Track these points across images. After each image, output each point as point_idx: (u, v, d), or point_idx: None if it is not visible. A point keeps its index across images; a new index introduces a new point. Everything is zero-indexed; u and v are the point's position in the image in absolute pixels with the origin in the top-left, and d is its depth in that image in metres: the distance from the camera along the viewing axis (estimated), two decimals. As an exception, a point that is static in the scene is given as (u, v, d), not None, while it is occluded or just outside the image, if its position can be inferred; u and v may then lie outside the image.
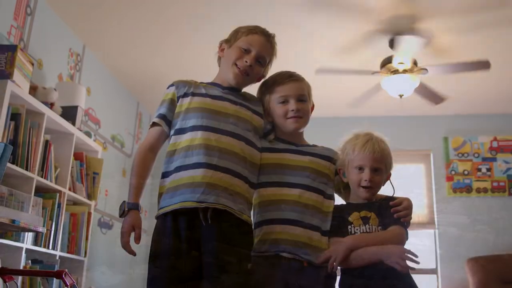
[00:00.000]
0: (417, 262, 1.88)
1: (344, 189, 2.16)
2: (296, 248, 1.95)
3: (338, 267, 1.97)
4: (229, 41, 2.14)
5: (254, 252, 1.98)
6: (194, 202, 1.88)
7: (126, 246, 1.93)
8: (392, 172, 2.13)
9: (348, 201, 2.14)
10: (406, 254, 1.89)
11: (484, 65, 4.07)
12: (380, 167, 2.05)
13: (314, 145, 2.20)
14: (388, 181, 2.11)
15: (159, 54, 4.66)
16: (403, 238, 1.98)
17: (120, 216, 1.98)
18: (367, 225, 2.00)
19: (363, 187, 2.04)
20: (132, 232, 1.94)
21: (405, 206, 2.01)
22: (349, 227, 2.02)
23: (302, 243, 1.96)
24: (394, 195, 2.09)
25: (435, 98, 4.60)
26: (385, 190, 2.12)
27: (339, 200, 2.18)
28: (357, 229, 2.01)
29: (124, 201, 1.98)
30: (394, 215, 1.99)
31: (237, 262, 1.89)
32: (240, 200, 1.94)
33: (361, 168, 2.04)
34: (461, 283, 5.23)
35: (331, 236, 2.03)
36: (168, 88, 2.13)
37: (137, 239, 1.92)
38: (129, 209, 1.96)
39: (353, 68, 4.37)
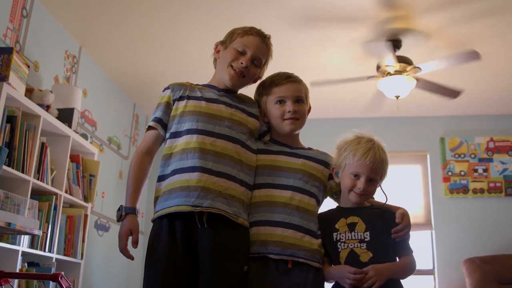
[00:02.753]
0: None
1: (337, 194, 2.15)
2: (284, 249, 1.95)
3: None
4: (224, 43, 2.15)
5: None
6: (189, 206, 1.88)
7: (123, 250, 1.94)
8: (389, 173, 2.11)
9: (339, 205, 2.13)
10: (350, 274, 1.91)
11: (474, 56, 4.06)
12: (376, 177, 2.03)
13: (309, 148, 2.20)
14: (379, 188, 2.10)
15: (156, 55, 4.65)
16: (413, 266, 2.00)
17: (118, 220, 1.98)
18: (352, 232, 2.00)
19: (355, 192, 2.03)
20: (130, 236, 1.94)
21: (405, 224, 1.99)
22: (335, 234, 2.02)
23: (291, 244, 1.95)
24: (387, 203, 2.09)
25: (451, 92, 4.54)
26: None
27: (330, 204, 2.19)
28: (342, 236, 2.00)
29: (121, 206, 1.98)
30: (396, 239, 1.98)
31: (233, 266, 1.89)
32: (235, 204, 1.93)
33: (357, 175, 2.02)
34: (458, 284, 5.24)
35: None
36: (163, 91, 2.13)
37: (135, 244, 1.93)
38: (126, 214, 1.96)
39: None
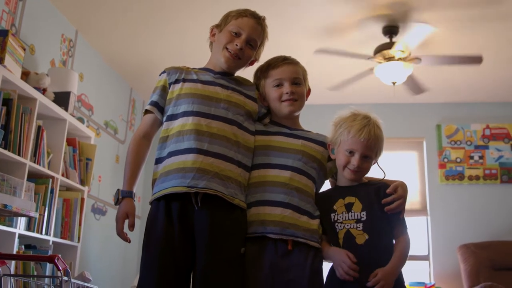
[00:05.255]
0: (353, 275, 1.91)
1: (336, 175, 2.16)
2: (283, 229, 1.95)
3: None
4: (219, 26, 2.15)
5: None
6: (185, 187, 1.89)
7: (120, 233, 1.96)
8: (385, 159, 2.12)
9: (337, 183, 2.14)
10: (344, 264, 1.92)
11: (476, 60, 4.19)
12: (371, 154, 2.04)
13: (308, 131, 2.20)
14: (376, 164, 2.10)
15: (153, 40, 4.64)
16: (407, 249, 1.99)
17: (115, 204, 2.00)
18: (349, 213, 2.00)
19: (349, 169, 2.03)
20: (126, 220, 1.95)
21: (398, 196, 1.99)
22: (332, 215, 2.03)
23: (290, 224, 1.96)
24: (385, 178, 2.09)
25: (416, 88, 4.61)
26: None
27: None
28: (339, 217, 2.01)
29: (118, 189, 1.99)
30: (388, 211, 1.98)
31: (229, 247, 1.90)
32: (232, 185, 1.94)
33: (351, 152, 2.02)
34: (453, 270, 5.29)
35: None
36: (160, 75, 2.14)
37: (131, 227, 1.95)
38: (123, 197, 1.98)
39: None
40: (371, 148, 2.02)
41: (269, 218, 1.97)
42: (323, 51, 4.27)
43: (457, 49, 4.46)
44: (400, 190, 2.00)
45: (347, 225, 1.99)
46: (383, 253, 1.96)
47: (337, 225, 2.01)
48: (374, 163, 2.09)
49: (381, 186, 2.04)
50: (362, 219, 1.98)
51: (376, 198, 2.00)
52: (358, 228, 1.97)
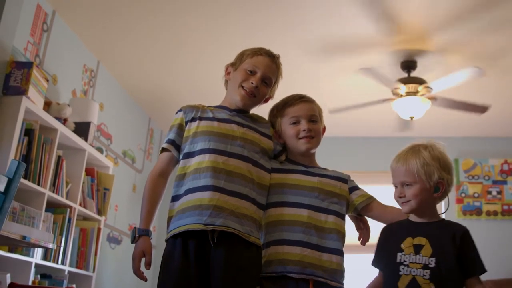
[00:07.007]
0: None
1: (357, 210, 2.12)
2: (303, 268, 1.94)
3: None
4: (234, 64, 2.19)
5: (261, 274, 1.98)
6: (201, 225, 1.90)
7: (137, 271, 1.95)
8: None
9: (409, 218, 2.03)
10: None
11: (481, 109, 4.31)
12: (408, 180, 1.94)
13: (324, 168, 2.21)
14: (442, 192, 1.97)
15: (171, 71, 4.71)
16: None
17: (132, 242, 2.01)
18: (417, 256, 1.88)
19: (401, 203, 1.98)
20: (143, 258, 1.95)
21: None
22: (399, 254, 1.91)
23: (309, 264, 1.95)
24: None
25: (477, 108, 4.55)
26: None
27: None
28: (406, 258, 1.89)
29: (135, 227, 2.01)
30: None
31: (243, 284, 1.89)
32: (247, 222, 1.95)
33: (396, 186, 1.99)
34: (470, 307, 5.17)
35: (382, 258, 1.99)
36: (176, 113, 2.17)
37: (148, 265, 1.94)
38: (140, 235, 1.98)
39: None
40: (402, 174, 1.95)
41: (288, 257, 1.96)
42: (336, 111, 4.38)
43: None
44: None
45: (414, 271, 1.86)
46: None
47: (402, 268, 1.88)
48: (442, 191, 1.96)
49: (457, 231, 1.90)
50: (430, 265, 1.85)
51: (451, 243, 1.87)
52: (424, 277, 1.84)
